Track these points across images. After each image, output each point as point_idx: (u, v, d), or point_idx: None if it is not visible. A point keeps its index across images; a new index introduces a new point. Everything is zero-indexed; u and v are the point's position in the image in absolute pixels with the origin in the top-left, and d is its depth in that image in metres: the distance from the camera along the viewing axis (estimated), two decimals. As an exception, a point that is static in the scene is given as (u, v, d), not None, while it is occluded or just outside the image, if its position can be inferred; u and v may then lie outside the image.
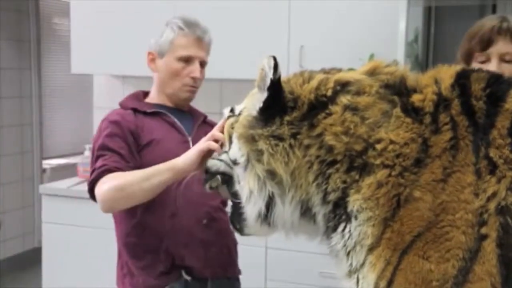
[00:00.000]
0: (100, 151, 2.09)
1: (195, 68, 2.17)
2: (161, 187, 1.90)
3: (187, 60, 2.16)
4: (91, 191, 2.05)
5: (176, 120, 2.21)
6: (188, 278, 2.13)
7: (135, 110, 2.20)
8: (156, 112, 2.21)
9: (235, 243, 2.31)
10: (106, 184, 1.96)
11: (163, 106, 2.24)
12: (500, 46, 1.92)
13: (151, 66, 2.26)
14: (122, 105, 2.28)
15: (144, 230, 2.14)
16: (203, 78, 2.24)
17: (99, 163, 2.05)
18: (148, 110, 2.21)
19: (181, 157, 1.83)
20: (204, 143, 1.74)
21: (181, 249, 2.12)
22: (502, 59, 1.91)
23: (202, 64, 2.21)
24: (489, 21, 1.97)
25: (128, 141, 2.09)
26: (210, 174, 1.58)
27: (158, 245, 2.12)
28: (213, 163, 1.57)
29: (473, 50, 1.94)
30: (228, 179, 1.53)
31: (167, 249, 2.11)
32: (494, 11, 3.70)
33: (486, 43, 1.91)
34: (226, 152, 1.53)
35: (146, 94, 2.33)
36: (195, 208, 2.12)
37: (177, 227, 2.11)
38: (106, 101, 4.48)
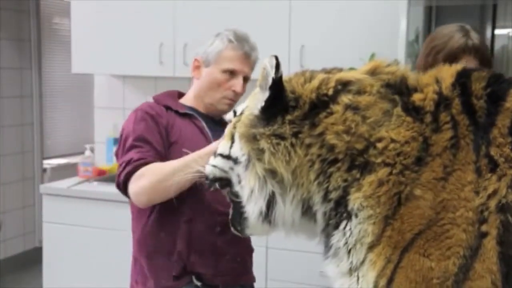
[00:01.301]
0: (137, 142, 2.08)
1: (238, 82, 2.17)
2: (193, 179, 1.87)
3: (232, 73, 2.16)
4: (124, 183, 2.06)
5: (205, 125, 2.20)
6: (198, 283, 2.12)
7: (167, 108, 2.20)
8: (188, 114, 2.21)
9: (250, 251, 2.30)
10: (146, 177, 1.98)
11: (196, 110, 2.24)
12: (465, 63, 1.94)
13: (194, 72, 2.26)
14: (156, 100, 2.25)
15: (160, 231, 2.13)
16: (244, 93, 2.21)
17: (136, 155, 2.04)
18: (181, 110, 2.21)
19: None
20: None
21: (193, 255, 2.11)
22: None
23: (245, 79, 2.20)
24: (455, 37, 2.00)
25: (162, 135, 2.11)
26: (210, 181, 1.59)
27: (171, 248, 2.11)
28: (210, 170, 1.57)
29: (438, 65, 1.97)
30: (226, 183, 1.53)
31: (180, 254, 2.11)
32: (494, 11, 3.70)
33: (452, 61, 1.94)
34: (220, 154, 1.53)
35: (181, 95, 2.33)
36: (209, 215, 2.11)
37: (191, 233, 2.11)
38: (106, 101, 4.49)
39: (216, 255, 2.14)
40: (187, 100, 2.28)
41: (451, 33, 2.03)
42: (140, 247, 2.19)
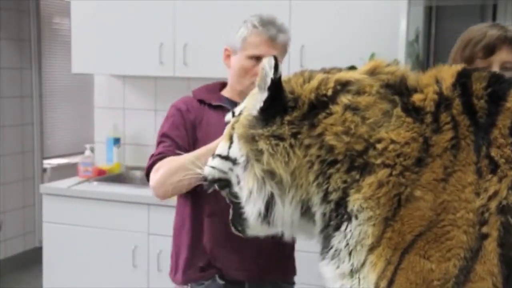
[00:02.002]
0: (162, 138, 2.18)
1: None
2: None
3: (258, 58, 2.14)
4: (147, 177, 2.14)
5: None
6: (221, 282, 2.16)
7: (201, 101, 2.23)
8: (220, 106, 2.21)
9: (283, 247, 2.19)
10: (160, 170, 2.04)
11: (232, 101, 2.23)
12: (504, 54, 1.97)
13: (226, 62, 2.27)
14: (193, 93, 2.30)
15: (189, 224, 2.20)
16: None
17: (158, 150, 2.14)
18: (214, 103, 2.22)
19: None
20: None
21: (217, 249, 2.16)
22: (503, 66, 1.97)
23: None
24: (492, 29, 2.01)
25: (188, 131, 2.16)
26: (209, 182, 1.58)
27: (197, 242, 2.18)
28: (209, 172, 1.57)
29: (475, 56, 1.98)
30: (225, 184, 1.53)
31: (205, 247, 2.17)
32: (494, 11, 3.70)
33: (491, 51, 1.95)
34: (218, 155, 1.52)
35: (224, 85, 2.33)
36: None
37: (215, 227, 2.13)
38: (106, 101, 4.49)
39: (241, 251, 2.13)
40: (226, 91, 2.30)
41: (486, 27, 2.05)
42: (174, 238, 2.29)
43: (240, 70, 2.19)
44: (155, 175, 2.06)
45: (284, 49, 2.22)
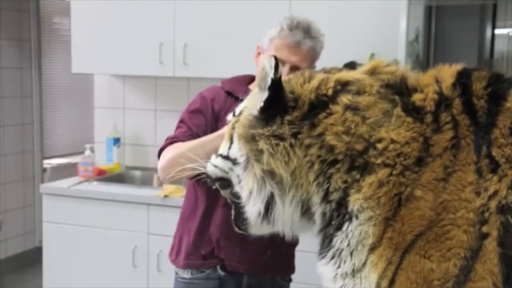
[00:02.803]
0: (180, 123, 2.21)
1: (282, 72, 2.12)
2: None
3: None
4: (159, 157, 2.14)
5: None
6: (222, 273, 2.20)
7: (229, 93, 2.23)
8: None
9: (286, 246, 2.16)
10: (167, 154, 2.06)
11: None
12: None
13: (255, 60, 2.25)
14: (222, 83, 2.30)
15: (202, 211, 2.22)
16: None
17: (174, 134, 2.17)
18: (241, 96, 2.20)
19: None
20: None
21: (223, 239, 2.18)
22: None
23: (295, 68, 2.11)
24: None
25: (208, 120, 2.17)
26: (212, 180, 1.59)
27: (205, 229, 2.21)
28: (212, 170, 1.57)
29: None
30: (227, 183, 1.53)
31: (210, 236, 2.20)
32: (494, 11, 3.70)
33: None
34: (220, 155, 1.53)
35: (253, 79, 2.30)
36: None
37: (225, 218, 2.12)
38: (106, 101, 4.49)
39: (245, 245, 2.13)
40: (253, 86, 2.26)
41: None
42: (181, 222, 2.31)
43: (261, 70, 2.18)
44: (162, 159, 2.08)
45: (310, 55, 2.16)
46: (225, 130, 1.83)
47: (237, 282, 2.22)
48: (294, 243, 2.25)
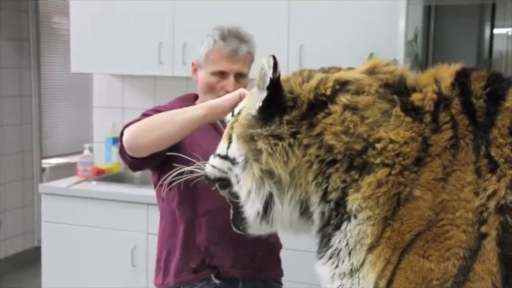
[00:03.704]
0: (142, 115, 2.08)
1: (229, 82, 2.15)
2: (190, 124, 1.88)
3: (221, 73, 2.15)
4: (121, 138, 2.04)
5: (218, 122, 2.15)
6: (217, 281, 2.14)
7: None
8: None
9: (274, 246, 2.27)
10: (130, 128, 1.97)
11: None
12: None
13: (193, 76, 2.27)
14: (172, 104, 2.24)
15: (182, 226, 2.16)
16: (245, 86, 2.16)
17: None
18: None
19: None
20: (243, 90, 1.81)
21: (212, 246, 2.14)
22: None
23: (239, 75, 2.17)
24: None
25: None
26: (211, 181, 1.58)
27: (190, 242, 2.15)
28: (210, 171, 1.56)
29: None
30: (226, 184, 1.53)
31: (199, 247, 2.14)
32: (493, 10, 3.70)
33: None
34: (218, 155, 1.52)
35: (196, 97, 2.31)
36: (229, 207, 2.12)
37: (210, 225, 2.12)
38: (105, 101, 4.49)
39: (236, 248, 2.13)
40: (198, 102, 2.25)
41: None
42: (161, 244, 2.23)
43: (205, 86, 2.18)
44: (126, 133, 1.97)
45: (248, 59, 2.20)
46: (207, 102, 1.88)
47: None
48: (278, 245, 2.28)
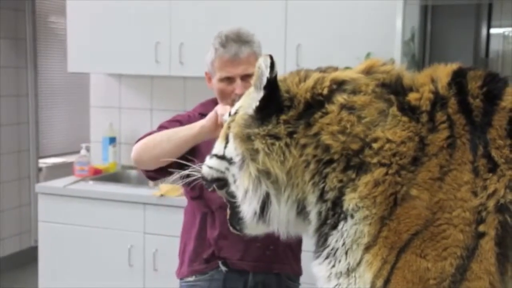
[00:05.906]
0: (159, 128, 2.29)
1: (237, 84, 2.19)
2: (183, 143, 2.10)
3: (228, 78, 2.20)
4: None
5: None
6: (224, 269, 2.23)
7: (202, 115, 2.26)
8: None
9: (291, 241, 2.27)
10: (143, 140, 2.20)
11: None
12: None
13: (209, 86, 2.33)
14: (193, 109, 2.40)
15: (196, 217, 2.29)
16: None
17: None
18: None
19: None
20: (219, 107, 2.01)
21: (222, 240, 2.22)
22: None
23: (246, 76, 2.17)
24: None
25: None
26: (207, 182, 1.58)
27: (204, 233, 2.26)
28: (207, 172, 1.56)
29: None
30: (223, 184, 1.53)
31: (209, 239, 2.24)
32: (490, 10, 3.71)
33: None
34: (215, 155, 1.52)
35: (217, 101, 2.36)
36: None
37: (222, 220, 2.12)
38: (102, 100, 4.49)
39: (246, 241, 2.13)
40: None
41: None
42: (182, 236, 2.39)
43: (219, 93, 2.25)
44: (137, 144, 2.20)
45: (252, 59, 2.21)
46: (193, 124, 2.07)
47: (242, 280, 2.23)
48: (297, 240, 2.27)
